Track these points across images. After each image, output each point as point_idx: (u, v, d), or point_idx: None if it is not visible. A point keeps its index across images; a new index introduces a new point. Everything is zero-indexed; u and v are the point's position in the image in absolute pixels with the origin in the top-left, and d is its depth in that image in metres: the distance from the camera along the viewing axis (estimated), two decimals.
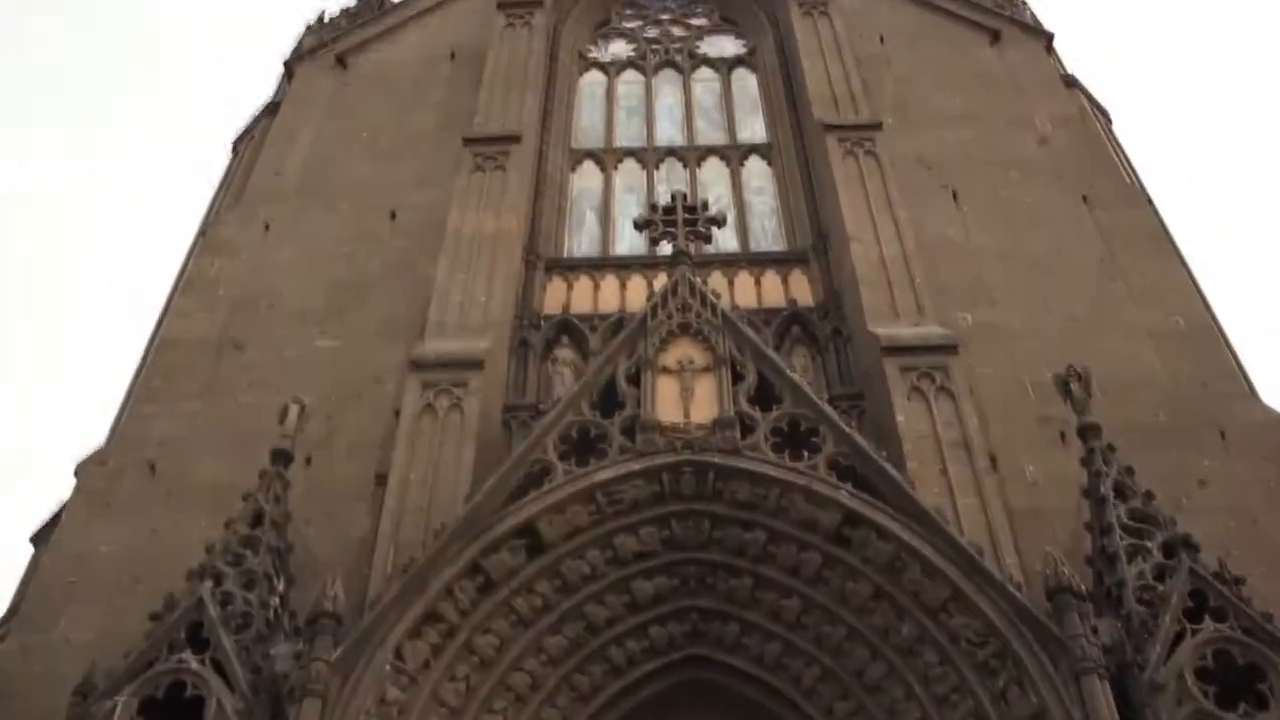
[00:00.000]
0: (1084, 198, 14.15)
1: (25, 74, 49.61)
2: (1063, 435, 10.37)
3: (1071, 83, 16.86)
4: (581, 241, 14.62)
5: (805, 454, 9.43)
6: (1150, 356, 11.90)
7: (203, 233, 15.08)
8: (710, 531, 9.33)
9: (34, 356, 42.37)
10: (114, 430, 12.02)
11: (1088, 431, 9.48)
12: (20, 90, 50.53)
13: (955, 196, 14.07)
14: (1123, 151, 16.07)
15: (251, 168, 15.79)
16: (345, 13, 19.39)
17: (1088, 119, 16.11)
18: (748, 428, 9.60)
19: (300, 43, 18.61)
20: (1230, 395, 11.50)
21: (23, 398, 41.70)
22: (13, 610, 10.37)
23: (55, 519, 11.12)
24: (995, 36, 17.36)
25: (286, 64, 17.93)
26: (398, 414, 10.82)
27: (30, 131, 49.95)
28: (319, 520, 10.14)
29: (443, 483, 10.00)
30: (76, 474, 11.28)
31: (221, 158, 17.18)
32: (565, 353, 12.34)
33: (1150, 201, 14.46)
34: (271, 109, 17.06)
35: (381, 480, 10.33)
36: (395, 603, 8.50)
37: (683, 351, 10.25)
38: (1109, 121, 16.91)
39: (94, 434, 11.95)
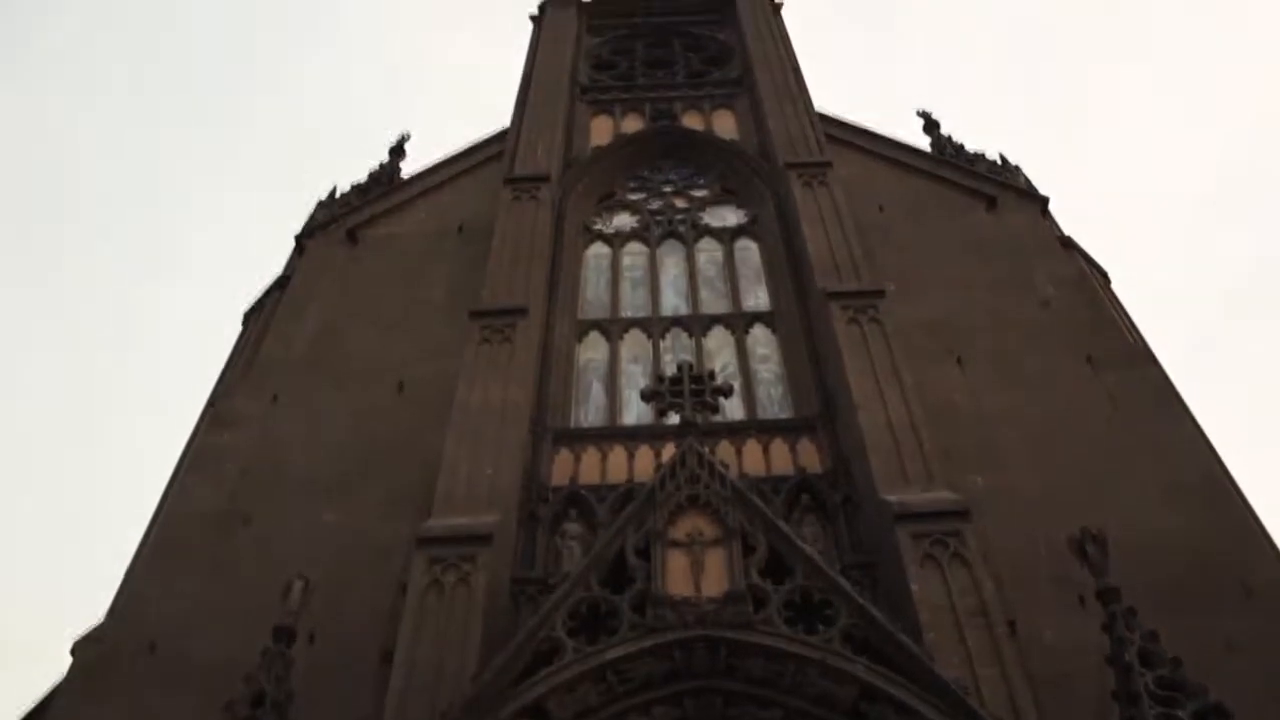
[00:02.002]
0: (1088, 358, 14.41)
1: (28, 241, 51.10)
2: (1081, 599, 10.27)
3: (1069, 244, 17.32)
4: (589, 412, 14.70)
5: (819, 627, 9.39)
6: (1166, 516, 11.92)
7: (211, 405, 15.30)
8: (724, 709, 9.20)
9: (33, 532, 42.16)
10: (113, 607, 11.96)
11: (1108, 595, 9.40)
12: (22, 259, 51.90)
13: (960, 360, 14.33)
14: (1123, 310, 16.36)
15: (261, 340, 16.16)
16: (356, 189, 20.18)
17: (1087, 280, 16.50)
18: (760, 601, 9.58)
19: (312, 218, 19.30)
20: (1252, 554, 11.48)
21: (21, 575, 41.33)
22: None
23: (49, 700, 10.95)
24: (992, 202, 17.99)
25: (298, 238, 18.55)
26: (404, 589, 10.77)
27: (38, 300, 51.04)
28: (323, 700, 9.99)
29: (450, 660, 9.89)
30: (73, 653, 11.18)
31: (231, 331, 17.55)
32: (573, 526, 12.32)
33: (1154, 360, 14.66)
34: (282, 283, 17.54)
35: (387, 658, 10.23)
36: None
37: (692, 524, 10.31)
38: (1108, 281, 17.30)
39: (93, 612, 11.85)
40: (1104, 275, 17.37)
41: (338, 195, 19.98)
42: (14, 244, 52.78)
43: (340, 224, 18.55)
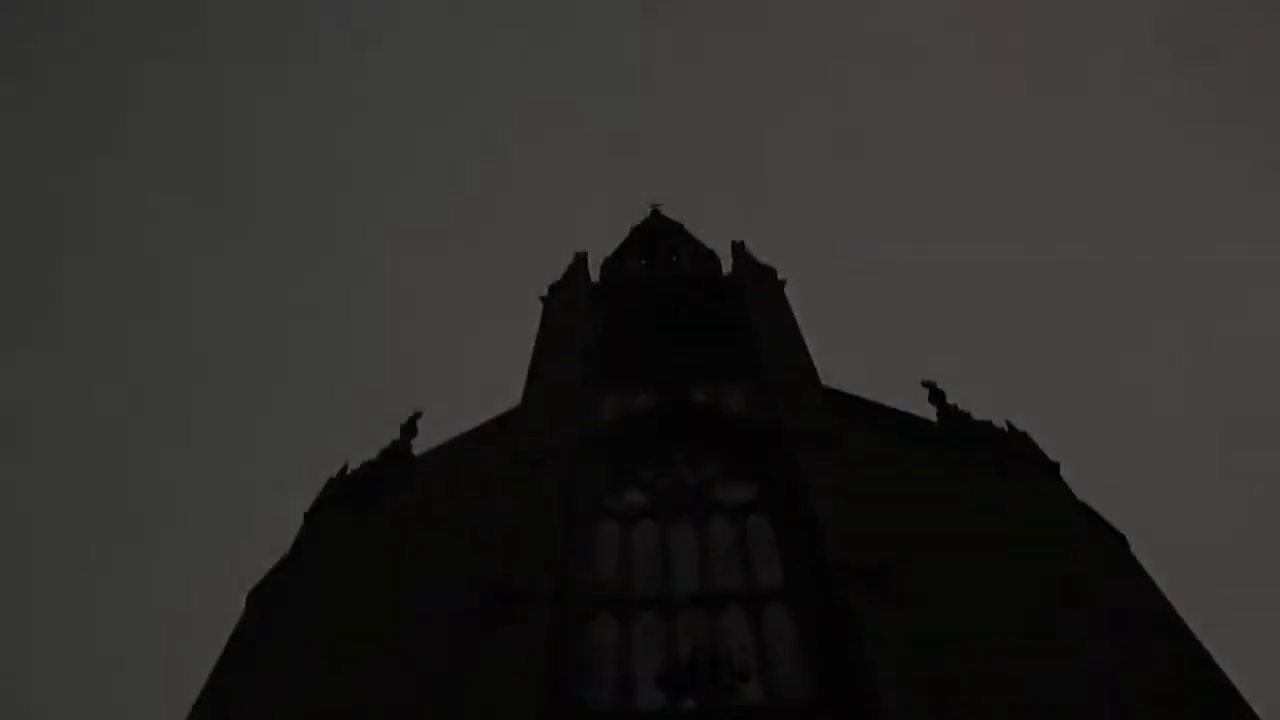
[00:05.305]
0: (1115, 626, 14.22)
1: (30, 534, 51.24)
2: None
3: (1083, 509, 17.39)
4: (601, 697, 14.34)
5: None
6: None
7: (211, 688, 15.00)
8: None
9: None
10: None
11: None
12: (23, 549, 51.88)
13: (982, 633, 14.13)
14: (1145, 574, 16.24)
15: (265, 621, 16.01)
16: (367, 465, 20.48)
17: (1104, 546, 16.47)
18: None
19: (321, 494, 19.49)
20: None
21: None
22: None
23: None
24: (1002, 470, 18.21)
25: (307, 515, 18.71)
26: None
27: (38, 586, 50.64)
28: None
29: None
30: None
31: (235, 611, 17.41)
32: None
33: (1183, 624, 14.47)
34: (288, 561, 17.55)
35: None
36: None
37: None
38: (1125, 544, 17.25)
39: None
40: (1121, 539, 17.36)
41: (348, 472, 20.29)
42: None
43: (350, 501, 18.78)
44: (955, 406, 21.17)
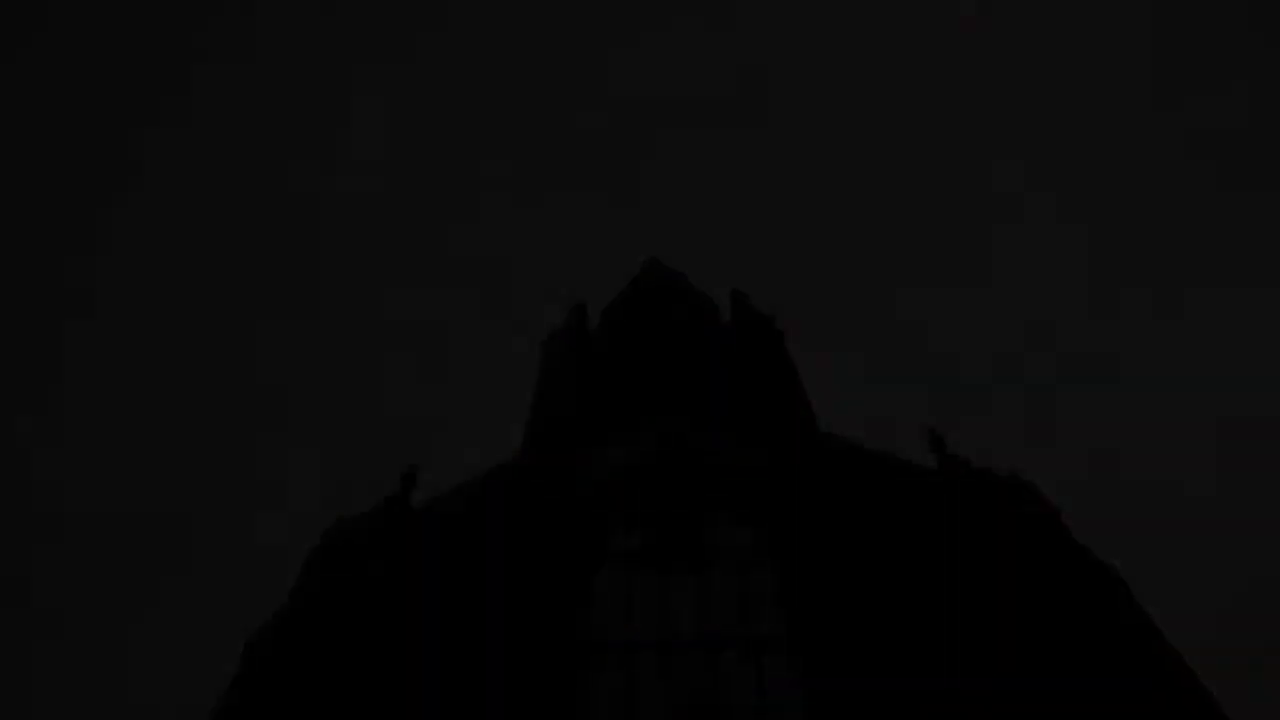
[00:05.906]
0: (1124, 671, 14.23)
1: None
2: None
3: (1083, 552, 17.38)
4: None
5: None
6: None
7: None
8: None
9: None
10: None
11: None
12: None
13: (986, 679, 14.09)
14: (1148, 618, 16.20)
15: (264, 668, 15.94)
16: (366, 516, 20.48)
17: (1106, 592, 16.43)
18: None
19: (320, 544, 19.51)
20: None
21: None
22: None
23: None
24: (1004, 515, 18.19)
25: (307, 561, 18.66)
26: None
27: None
28: None
29: None
30: None
31: (232, 661, 17.37)
32: None
33: (1193, 676, 14.41)
34: (286, 610, 17.48)
35: None
36: None
37: None
38: (1128, 590, 17.20)
39: None
40: (1124, 584, 17.33)
41: (348, 519, 20.27)
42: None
43: (349, 551, 18.74)
44: (955, 455, 21.18)
